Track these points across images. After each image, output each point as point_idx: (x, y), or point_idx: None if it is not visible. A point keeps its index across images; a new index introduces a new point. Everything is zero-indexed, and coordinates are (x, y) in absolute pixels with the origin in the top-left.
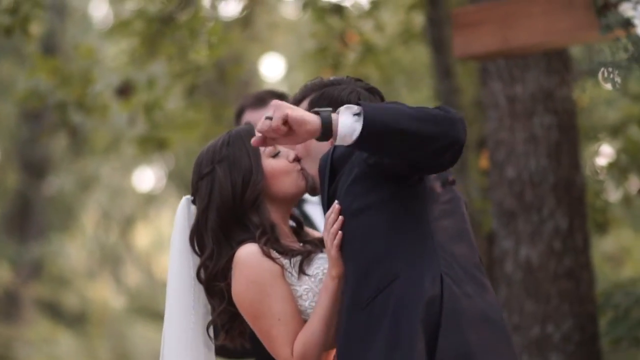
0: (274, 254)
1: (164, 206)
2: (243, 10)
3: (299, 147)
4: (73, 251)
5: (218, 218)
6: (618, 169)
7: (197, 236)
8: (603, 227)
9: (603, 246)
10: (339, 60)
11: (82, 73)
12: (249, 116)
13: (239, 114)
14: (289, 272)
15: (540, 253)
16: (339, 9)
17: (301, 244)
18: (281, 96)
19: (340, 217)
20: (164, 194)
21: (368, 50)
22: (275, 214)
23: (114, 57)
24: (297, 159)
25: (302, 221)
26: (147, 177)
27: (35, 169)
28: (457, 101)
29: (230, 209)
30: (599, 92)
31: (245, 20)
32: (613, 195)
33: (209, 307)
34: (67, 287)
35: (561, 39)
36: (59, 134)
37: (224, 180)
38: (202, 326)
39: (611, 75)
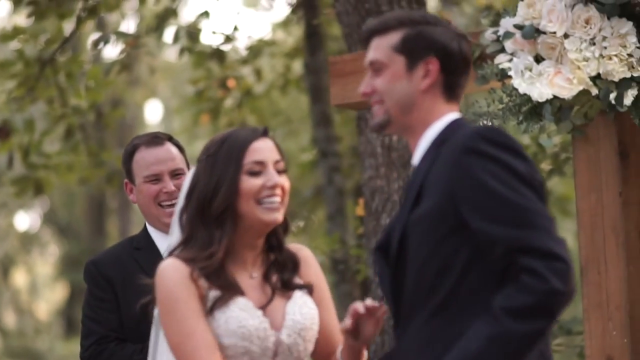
0: (202, 281)
1: (39, 248)
2: (121, 53)
3: (384, 81)
4: None
5: (192, 209)
6: None
7: (180, 216)
8: None
9: None
10: (218, 105)
11: None
12: (142, 153)
13: (132, 152)
14: (205, 302)
15: None
16: (219, 53)
17: (258, 276)
18: (171, 138)
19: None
20: (38, 235)
21: (246, 95)
22: (240, 235)
23: None
24: (274, 186)
25: (282, 240)
26: (22, 219)
27: None
28: (335, 149)
29: (201, 208)
30: None
31: (123, 64)
32: None
33: None
34: None
35: None
36: None
37: (202, 177)
38: None
39: None
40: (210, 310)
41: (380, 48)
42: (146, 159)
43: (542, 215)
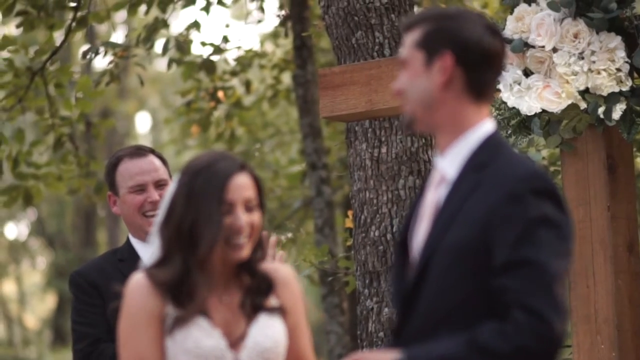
0: (166, 303)
1: (28, 258)
2: (110, 63)
3: (406, 78)
4: None
5: (169, 233)
6: None
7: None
8: None
9: None
10: (208, 116)
11: None
12: (126, 164)
13: (116, 164)
14: (168, 322)
15: None
16: (208, 64)
17: (230, 300)
18: (153, 151)
19: None
20: (27, 245)
21: (236, 106)
22: (209, 263)
23: None
24: (240, 228)
25: (253, 266)
26: (10, 229)
27: None
28: (324, 161)
29: (177, 237)
30: None
31: (113, 75)
32: None
33: None
34: None
35: None
36: None
37: (178, 205)
38: None
39: None
40: (170, 330)
41: (406, 46)
42: (130, 170)
43: (559, 281)
